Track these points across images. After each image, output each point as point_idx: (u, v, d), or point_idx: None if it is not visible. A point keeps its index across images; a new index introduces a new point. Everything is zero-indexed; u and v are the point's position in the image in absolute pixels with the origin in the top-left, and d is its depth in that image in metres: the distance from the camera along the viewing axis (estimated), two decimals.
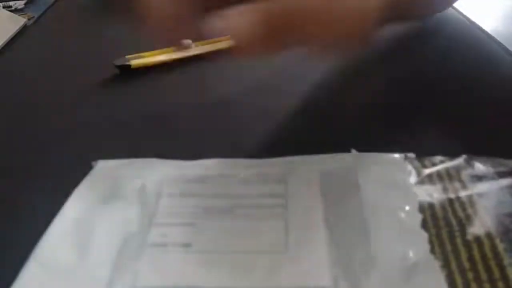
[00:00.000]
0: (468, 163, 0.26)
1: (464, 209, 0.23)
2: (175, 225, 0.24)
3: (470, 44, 0.45)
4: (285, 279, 0.21)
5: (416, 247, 0.21)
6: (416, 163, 0.27)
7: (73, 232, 0.24)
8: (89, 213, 0.25)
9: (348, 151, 0.28)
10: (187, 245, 0.23)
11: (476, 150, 0.27)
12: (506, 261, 0.21)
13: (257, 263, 0.21)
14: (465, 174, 0.26)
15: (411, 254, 0.21)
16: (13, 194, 0.28)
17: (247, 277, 0.21)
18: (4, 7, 0.61)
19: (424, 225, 0.23)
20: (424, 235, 0.22)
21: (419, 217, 0.23)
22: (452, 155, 0.27)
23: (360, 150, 0.28)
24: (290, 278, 0.21)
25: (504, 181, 0.25)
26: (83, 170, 0.28)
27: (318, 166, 0.27)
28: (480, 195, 0.24)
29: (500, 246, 0.21)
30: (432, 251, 0.21)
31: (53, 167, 0.30)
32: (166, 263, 0.22)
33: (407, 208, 0.24)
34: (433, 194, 0.25)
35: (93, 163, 0.28)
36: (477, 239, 0.22)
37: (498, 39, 0.45)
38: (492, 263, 0.21)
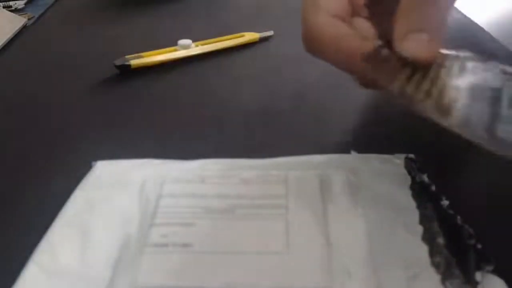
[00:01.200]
0: None
1: None
2: (175, 225, 0.24)
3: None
4: (285, 279, 0.21)
5: (417, 258, 0.21)
6: (416, 164, 0.27)
7: (73, 232, 0.24)
8: (89, 213, 0.25)
9: (348, 152, 0.28)
10: (187, 245, 0.22)
11: None
12: None
13: (258, 263, 0.21)
14: None
15: (411, 264, 0.21)
16: (13, 194, 0.28)
17: (247, 277, 0.21)
18: (4, 7, 0.61)
19: (424, 237, 0.22)
20: (424, 247, 0.22)
21: (420, 229, 0.23)
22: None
23: (360, 151, 0.28)
24: (290, 278, 0.21)
25: None
26: (83, 170, 0.28)
27: (318, 167, 0.27)
28: None
29: None
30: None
31: (53, 167, 0.30)
32: (166, 263, 0.22)
33: (407, 218, 0.23)
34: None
35: (93, 163, 0.28)
36: None
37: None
38: None
